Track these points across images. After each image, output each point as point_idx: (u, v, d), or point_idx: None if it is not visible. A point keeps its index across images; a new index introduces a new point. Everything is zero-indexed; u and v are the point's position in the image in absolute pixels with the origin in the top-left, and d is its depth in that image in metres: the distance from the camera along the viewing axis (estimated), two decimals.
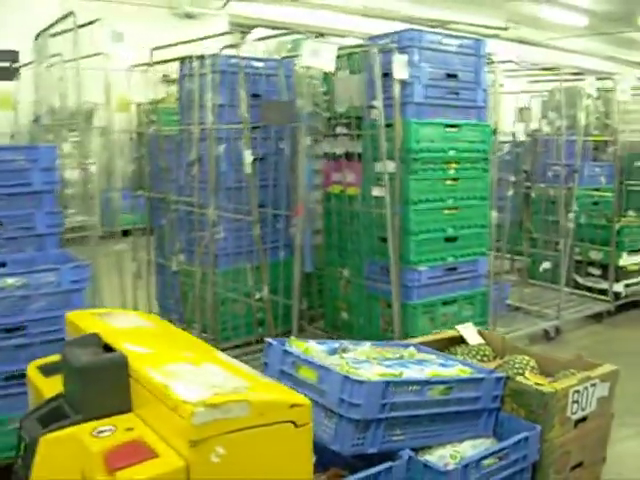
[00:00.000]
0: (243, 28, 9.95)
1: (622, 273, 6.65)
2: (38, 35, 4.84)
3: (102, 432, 1.91)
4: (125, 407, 2.05)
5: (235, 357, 4.00)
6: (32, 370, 2.57)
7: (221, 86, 4.79)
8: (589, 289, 6.74)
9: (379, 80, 4.31)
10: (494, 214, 4.99)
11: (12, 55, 4.81)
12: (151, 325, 2.64)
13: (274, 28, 9.95)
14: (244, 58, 4.72)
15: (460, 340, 3.46)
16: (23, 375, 3.41)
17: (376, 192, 4.59)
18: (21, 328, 3.44)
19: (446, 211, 4.70)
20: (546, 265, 6.45)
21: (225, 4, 10.53)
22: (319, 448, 2.44)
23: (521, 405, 2.75)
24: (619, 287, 6.61)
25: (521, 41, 14.67)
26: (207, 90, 4.68)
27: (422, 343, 3.43)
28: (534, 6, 14.31)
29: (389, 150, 4.45)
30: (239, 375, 2.05)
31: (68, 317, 2.66)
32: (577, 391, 2.78)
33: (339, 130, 4.96)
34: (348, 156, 4.92)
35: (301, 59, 3.92)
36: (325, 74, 4.95)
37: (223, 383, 1.93)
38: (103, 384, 2.05)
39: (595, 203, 7.26)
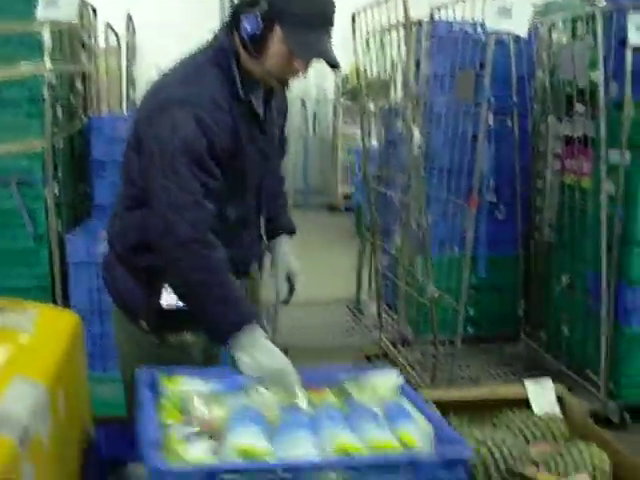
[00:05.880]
0: None
1: None
2: None
3: None
4: None
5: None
6: None
7: (439, 55, 4.27)
8: None
9: (601, 48, 3.45)
10: None
11: None
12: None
13: None
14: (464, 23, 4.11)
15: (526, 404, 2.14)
16: None
17: (603, 188, 3.72)
18: None
19: None
20: None
21: None
22: None
23: None
24: None
25: None
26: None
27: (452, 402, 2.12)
28: None
29: (615, 136, 3.57)
30: None
31: None
32: None
33: (578, 109, 4.12)
34: (585, 140, 4.07)
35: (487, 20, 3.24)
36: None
37: None
38: None
39: None
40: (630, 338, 3.68)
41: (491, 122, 3.52)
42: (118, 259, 2.06)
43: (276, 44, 1.76)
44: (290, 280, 2.25)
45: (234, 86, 1.84)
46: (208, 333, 1.94)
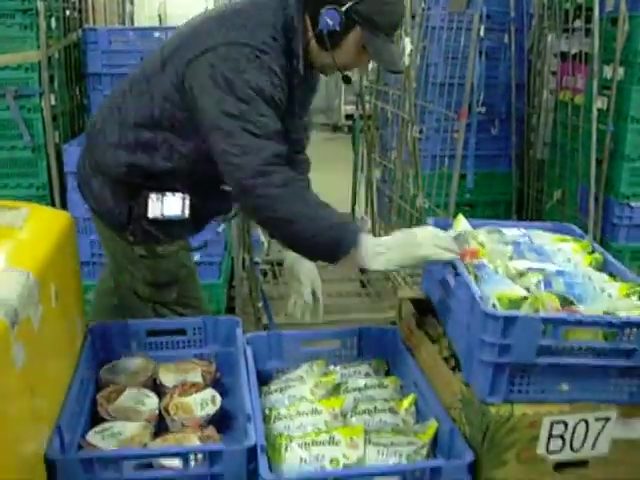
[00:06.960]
0: None
1: None
2: None
3: None
4: None
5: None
6: None
7: None
8: None
9: None
10: None
11: None
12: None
13: None
14: None
15: None
16: None
17: (595, 102, 3.73)
18: None
19: None
20: None
21: None
22: None
23: (468, 420, 1.63)
24: None
25: None
26: None
27: None
28: None
29: (610, 51, 3.57)
30: None
31: None
32: (561, 422, 1.57)
33: (577, 24, 4.09)
34: (581, 56, 4.05)
35: None
36: None
37: None
38: None
39: None
40: (616, 253, 3.75)
41: (482, 34, 3.49)
42: (96, 172, 2.08)
43: (352, 43, 1.84)
44: (315, 294, 2.19)
45: (292, 60, 1.88)
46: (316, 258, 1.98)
